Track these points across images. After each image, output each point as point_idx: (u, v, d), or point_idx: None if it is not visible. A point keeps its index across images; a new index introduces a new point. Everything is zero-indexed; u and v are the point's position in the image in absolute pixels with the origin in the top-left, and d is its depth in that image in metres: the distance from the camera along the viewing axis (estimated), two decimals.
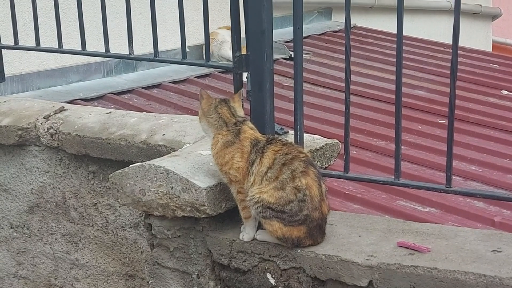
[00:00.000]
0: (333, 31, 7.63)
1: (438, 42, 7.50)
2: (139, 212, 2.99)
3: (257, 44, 2.74)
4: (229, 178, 2.44)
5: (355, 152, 4.49)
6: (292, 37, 2.72)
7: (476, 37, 9.56)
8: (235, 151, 2.42)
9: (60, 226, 3.46)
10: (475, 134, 4.95)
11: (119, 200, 2.67)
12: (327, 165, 2.91)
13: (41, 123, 3.37)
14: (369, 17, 8.14)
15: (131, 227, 3.24)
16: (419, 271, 2.17)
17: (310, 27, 7.58)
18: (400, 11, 2.49)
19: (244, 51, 2.86)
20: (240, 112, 2.53)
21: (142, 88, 5.63)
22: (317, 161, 2.82)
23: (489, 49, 9.77)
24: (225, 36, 6.28)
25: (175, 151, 2.88)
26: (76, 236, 3.42)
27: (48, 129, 3.34)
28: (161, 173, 2.53)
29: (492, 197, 2.81)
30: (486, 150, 4.65)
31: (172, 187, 2.51)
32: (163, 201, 2.54)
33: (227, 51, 6.23)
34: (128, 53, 3.37)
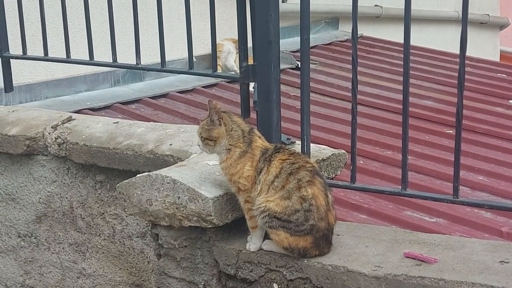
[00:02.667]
0: (340, 41, 7.64)
1: (446, 52, 7.49)
2: (146, 222, 3.00)
3: (264, 54, 2.75)
4: (237, 187, 2.43)
5: (362, 162, 4.48)
6: (299, 47, 2.72)
7: (484, 47, 9.55)
8: (247, 160, 2.43)
9: (67, 236, 3.46)
10: (483, 144, 4.94)
11: (126, 209, 2.68)
12: (334, 175, 2.91)
13: (49, 133, 3.38)
14: (376, 26, 8.14)
15: (138, 237, 3.25)
16: (426, 282, 2.17)
17: (317, 37, 7.59)
18: (407, 20, 2.49)
19: (251, 61, 2.87)
20: None
21: (149, 97, 5.65)
22: (324, 171, 2.82)
23: (496, 58, 9.76)
24: (230, 47, 6.31)
25: (182, 161, 2.88)
26: (83, 245, 3.42)
27: (55, 138, 3.35)
28: (168, 183, 2.54)
29: (500, 207, 2.79)
30: (493, 160, 4.64)
31: (179, 197, 2.51)
32: (170, 211, 2.54)
33: (231, 62, 6.27)
34: (135, 63, 3.39)
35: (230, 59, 6.34)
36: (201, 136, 2.47)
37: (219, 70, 6.17)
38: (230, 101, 5.45)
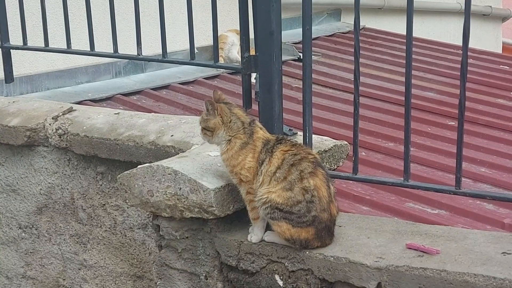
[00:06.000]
0: (342, 33, 7.62)
1: (448, 44, 7.48)
2: (147, 213, 2.99)
3: (266, 45, 2.74)
4: (239, 178, 2.43)
5: (364, 153, 4.47)
6: (301, 38, 2.71)
7: (486, 39, 9.52)
8: (248, 151, 2.42)
9: (68, 227, 3.46)
10: (485, 136, 4.93)
11: (127, 201, 2.67)
12: (336, 167, 2.91)
13: (50, 124, 3.37)
14: (378, 18, 8.12)
15: (139, 228, 3.24)
16: (428, 273, 2.16)
17: (319, 28, 7.57)
18: (409, 12, 2.48)
19: (252, 52, 2.86)
20: None
21: (151, 89, 5.64)
22: (326, 163, 2.81)
23: (499, 50, 9.73)
24: (234, 39, 6.30)
25: (183, 152, 2.87)
26: (84, 236, 3.42)
27: (56, 129, 3.34)
28: (169, 174, 2.53)
29: (502, 199, 2.79)
30: (495, 152, 4.63)
31: (180, 188, 2.51)
32: (171, 202, 2.53)
33: (235, 54, 6.26)
34: (136, 53, 3.38)
35: (233, 51, 6.33)
36: (200, 126, 2.47)
37: (222, 62, 6.16)
38: (232, 92, 5.44)
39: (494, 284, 2.07)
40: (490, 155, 4.58)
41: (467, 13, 2.39)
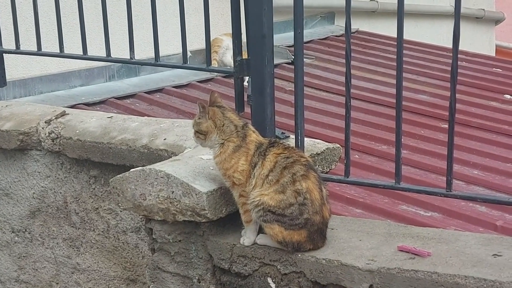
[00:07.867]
0: (336, 36, 7.62)
1: (441, 47, 7.48)
2: (140, 217, 3.00)
3: (258, 48, 2.75)
4: (232, 181, 2.43)
5: (357, 156, 4.48)
6: None
7: (479, 42, 9.55)
8: (241, 154, 2.43)
9: (61, 231, 3.46)
10: (478, 138, 4.94)
11: (120, 204, 2.67)
12: (328, 170, 2.91)
13: (43, 128, 3.37)
14: (372, 21, 8.13)
15: (132, 232, 3.24)
16: (419, 275, 2.17)
17: (313, 32, 7.57)
18: (400, 15, 2.49)
19: (245, 56, 2.87)
20: None
21: (145, 92, 5.63)
22: (319, 166, 2.82)
23: (492, 53, 9.76)
24: (229, 43, 6.29)
25: (176, 155, 2.88)
26: (77, 240, 3.42)
27: (49, 133, 3.34)
28: (162, 177, 2.53)
29: (493, 201, 2.80)
30: (488, 155, 4.64)
31: (173, 192, 2.51)
32: (164, 206, 2.53)
33: (228, 58, 6.25)
34: (129, 57, 3.38)
35: (227, 55, 6.32)
36: (193, 130, 2.48)
37: (216, 65, 6.15)
38: (225, 96, 5.42)
39: (485, 286, 2.07)
40: (482, 157, 4.59)
41: (457, 17, 2.40)
